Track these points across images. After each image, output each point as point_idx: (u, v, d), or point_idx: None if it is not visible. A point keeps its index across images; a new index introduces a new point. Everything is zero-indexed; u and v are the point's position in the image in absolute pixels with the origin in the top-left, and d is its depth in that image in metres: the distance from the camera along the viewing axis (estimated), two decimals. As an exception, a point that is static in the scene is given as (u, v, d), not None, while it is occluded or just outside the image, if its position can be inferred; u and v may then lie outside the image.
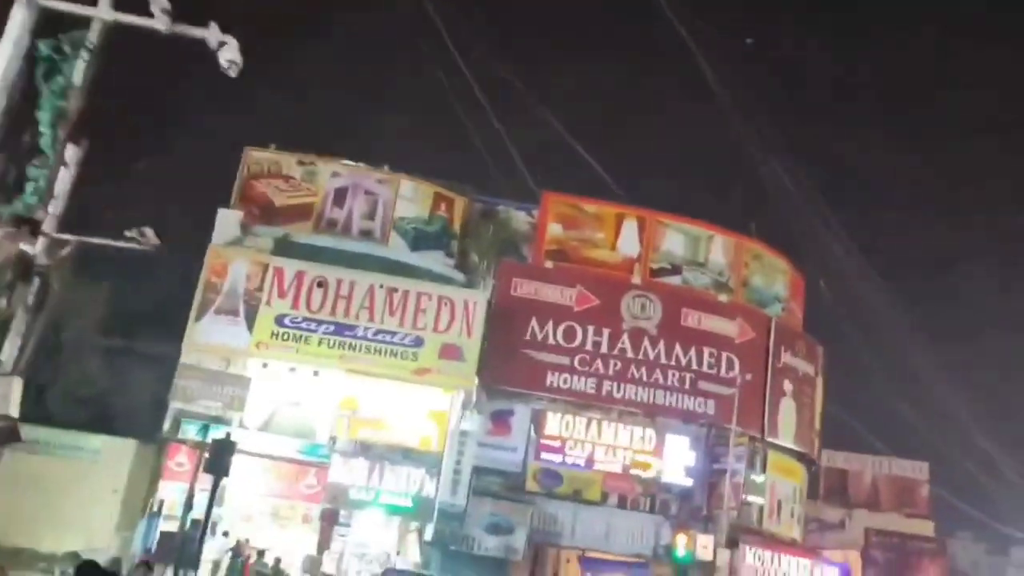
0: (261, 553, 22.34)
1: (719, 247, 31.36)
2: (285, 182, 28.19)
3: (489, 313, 26.80)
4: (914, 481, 57.57)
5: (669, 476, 27.99)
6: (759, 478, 29.43)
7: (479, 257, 29.13)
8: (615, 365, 28.64)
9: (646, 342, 29.01)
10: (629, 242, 30.40)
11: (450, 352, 25.80)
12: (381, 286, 26.05)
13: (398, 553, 25.57)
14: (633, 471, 27.81)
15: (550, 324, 28.56)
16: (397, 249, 28.12)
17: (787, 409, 31.01)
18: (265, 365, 25.30)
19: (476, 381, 26.37)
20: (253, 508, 24.11)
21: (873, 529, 51.89)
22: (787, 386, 31.11)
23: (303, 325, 25.41)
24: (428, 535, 24.82)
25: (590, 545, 26.79)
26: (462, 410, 26.12)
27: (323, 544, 23.28)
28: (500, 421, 27.38)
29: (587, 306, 28.93)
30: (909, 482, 57.65)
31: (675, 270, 30.60)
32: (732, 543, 26.90)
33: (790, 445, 31.22)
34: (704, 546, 25.60)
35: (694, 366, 29.20)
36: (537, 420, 27.74)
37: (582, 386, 28.30)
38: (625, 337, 28.93)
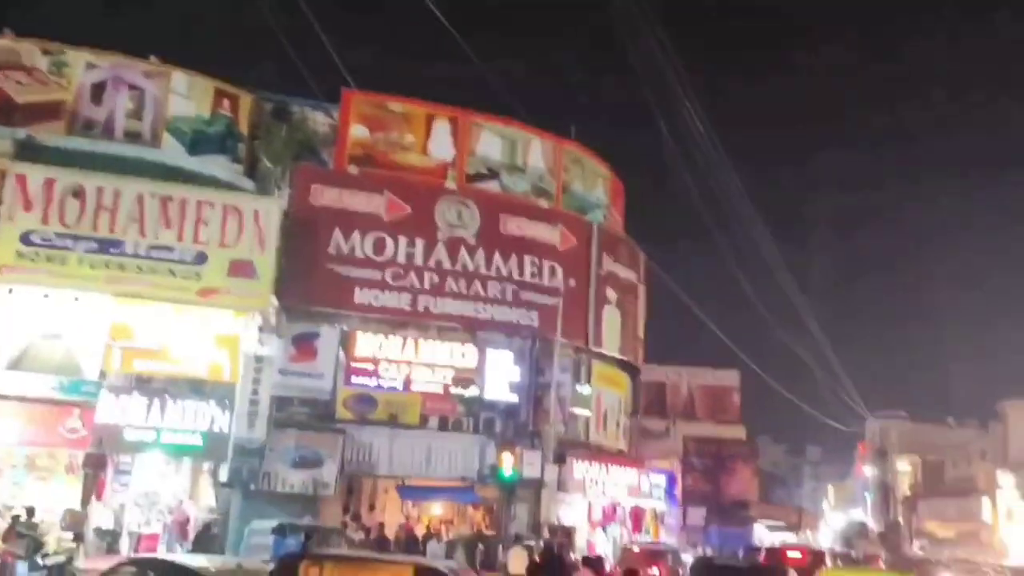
0: (31, 512, 18.38)
1: (538, 151, 29.37)
2: (27, 75, 23.48)
3: (285, 224, 23.64)
4: (726, 389, 59.86)
5: (492, 393, 26.16)
6: (585, 390, 28.25)
7: (272, 162, 25.67)
8: (431, 278, 26.26)
9: (464, 252, 26.76)
10: (441, 145, 27.80)
11: (240, 269, 22.49)
12: (153, 195, 22.24)
13: (190, 498, 22.44)
14: (454, 390, 25.77)
15: (357, 235, 25.69)
16: (172, 153, 24.23)
17: (611, 318, 29.88)
18: (10, 291, 21.09)
19: (273, 301, 23.27)
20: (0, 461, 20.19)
21: (691, 437, 53.50)
22: (611, 294, 29.93)
23: (57, 243, 21.32)
24: (224, 476, 21.84)
25: (410, 472, 24.64)
26: (258, 334, 23.02)
27: (88, 495, 19.72)
28: (304, 345, 24.46)
29: (398, 214, 26.24)
30: (721, 390, 59.90)
31: (492, 175, 28.36)
32: (560, 458, 25.60)
33: (615, 354, 30.22)
34: (531, 463, 24.08)
35: (515, 276, 27.31)
36: (346, 341, 25.04)
37: (395, 302, 25.78)
38: (441, 247, 26.54)
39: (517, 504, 24.26)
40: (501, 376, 26.40)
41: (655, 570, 18.57)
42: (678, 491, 35.12)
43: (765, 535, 50.71)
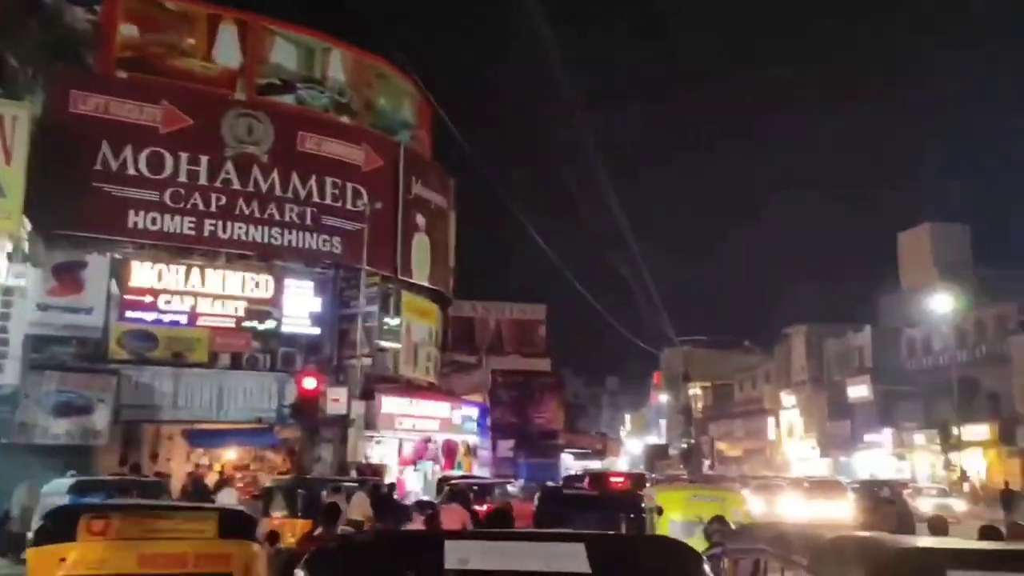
0: None
1: (338, 62, 26.95)
2: None
3: (39, 135, 20.06)
4: (533, 322, 60.36)
5: (292, 326, 24.03)
6: (393, 321, 26.61)
7: (20, 62, 21.77)
8: (218, 199, 23.50)
9: (256, 171, 24.13)
10: (228, 51, 24.80)
11: (-21, 185, 18.86)
12: None
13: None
14: (248, 324, 23.38)
15: (129, 150, 22.45)
16: None
17: (420, 245, 28.24)
18: None
19: (26, 224, 19.77)
20: None
21: (499, 370, 53.37)
22: (420, 220, 28.25)
23: None
24: (-33, 428, 18.56)
25: (199, 416, 22.17)
26: (7, 262, 19.54)
27: None
28: (67, 275, 21.14)
29: (177, 127, 23.15)
30: (528, 324, 60.37)
31: (287, 87, 25.74)
32: (367, 393, 23.96)
33: (425, 284, 28.69)
34: (336, 399, 22.23)
35: (315, 198, 25.01)
36: (119, 271, 21.97)
37: (177, 226, 22.88)
38: (229, 165, 23.77)
39: (321, 444, 22.45)
40: (301, 307, 24.27)
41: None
42: (489, 423, 34.44)
43: (572, 463, 51.59)
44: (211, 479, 21.65)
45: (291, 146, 24.67)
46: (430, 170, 29.44)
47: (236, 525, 7.39)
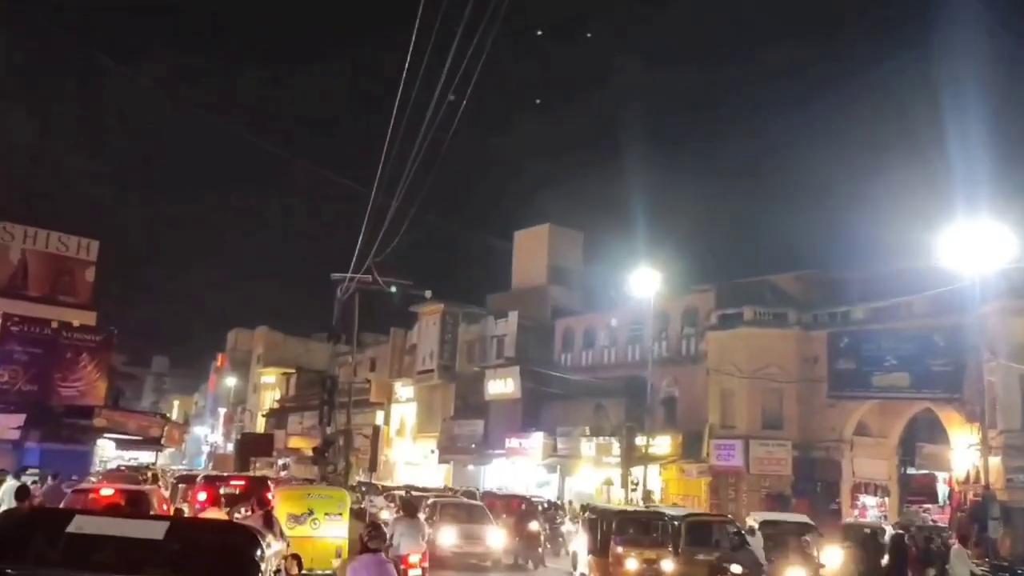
0: None
1: None
2: None
3: None
4: (77, 262, 44.86)
5: None
6: None
7: None
8: None
9: None
10: None
11: None
12: None
13: None
14: None
15: None
16: None
17: None
18: None
19: None
20: None
21: (15, 315, 38.61)
22: None
23: None
24: None
25: None
26: None
27: None
28: None
29: None
30: (70, 262, 44.90)
31: None
32: None
33: None
34: None
35: None
36: None
37: None
38: None
39: None
40: None
41: None
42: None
43: (114, 453, 36.65)
44: None
45: None
46: None
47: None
